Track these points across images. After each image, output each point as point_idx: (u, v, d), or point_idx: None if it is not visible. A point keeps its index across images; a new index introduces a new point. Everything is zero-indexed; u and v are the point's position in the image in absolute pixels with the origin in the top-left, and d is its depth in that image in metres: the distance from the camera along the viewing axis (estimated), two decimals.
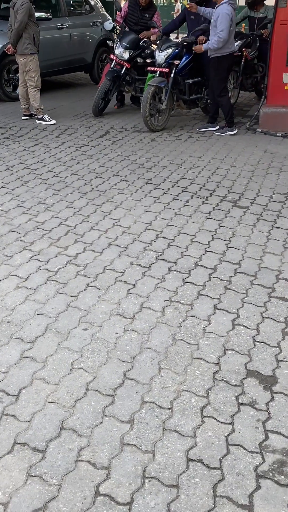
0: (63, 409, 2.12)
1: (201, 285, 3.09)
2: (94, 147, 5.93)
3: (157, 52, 6.52)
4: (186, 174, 5.08)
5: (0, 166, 5.15)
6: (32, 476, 1.82)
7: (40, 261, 3.33)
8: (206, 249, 3.54)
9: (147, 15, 7.14)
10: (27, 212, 4.06)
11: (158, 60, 6.47)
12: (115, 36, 8.35)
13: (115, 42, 7.20)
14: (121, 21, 7.24)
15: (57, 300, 2.89)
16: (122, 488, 1.79)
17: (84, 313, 2.78)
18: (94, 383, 2.27)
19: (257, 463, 1.90)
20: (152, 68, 6.59)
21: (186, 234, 3.77)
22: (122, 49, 6.94)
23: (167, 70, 6.41)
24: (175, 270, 3.26)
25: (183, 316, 2.78)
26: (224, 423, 2.08)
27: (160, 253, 3.47)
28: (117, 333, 2.62)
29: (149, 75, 6.61)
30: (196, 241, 3.66)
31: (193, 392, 2.24)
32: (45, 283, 3.07)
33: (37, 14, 7.04)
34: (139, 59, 7.05)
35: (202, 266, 3.32)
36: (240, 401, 2.20)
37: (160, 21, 7.32)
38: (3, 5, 9.43)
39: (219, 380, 2.32)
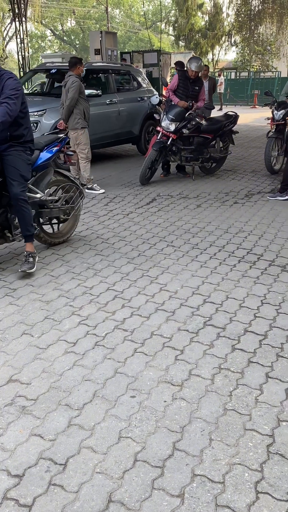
0: (111, 480, 2.06)
1: (251, 352, 3.01)
2: (141, 214, 6.08)
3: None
4: (233, 238, 5.10)
5: None
6: None
7: (88, 326, 3.35)
8: (256, 315, 3.48)
9: (196, 87, 7.50)
10: (77, 278, 4.14)
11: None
12: (161, 109, 8.76)
13: (161, 115, 7.53)
14: (168, 95, 7.61)
15: (105, 366, 2.88)
16: None
17: (132, 380, 2.74)
18: (143, 453, 2.20)
19: None
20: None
21: (234, 299, 3.73)
22: (169, 121, 7.25)
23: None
24: (224, 336, 3.20)
25: (233, 384, 2.70)
26: (281, 500, 1.96)
27: (208, 318, 3.43)
28: (165, 401, 2.56)
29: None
30: (244, 306, 3.61)
31: (246, 466, 2.13)
32: (93, 348, 3.08)
33: (88, 91, 7.53)
34: (184, 130, 7.33)
35: (252, 332, 3.25)
36: None
37: (205, 94, 7.70)
38: (56, 84, 10.17)
39: (274, 453, 2.20)
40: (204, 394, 2.61)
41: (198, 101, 7.54)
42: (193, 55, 28.71)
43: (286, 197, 6.64)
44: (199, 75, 7.64)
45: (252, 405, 2.52)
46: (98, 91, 8.60)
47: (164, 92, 7.80)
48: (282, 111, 7.57)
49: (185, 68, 7.62)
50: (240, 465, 2.13)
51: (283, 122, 7.65)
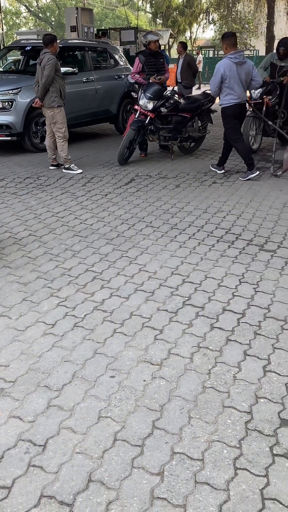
0: (91, 460, 2.06)
1: (229, 331, 3.03)
2: (120, 194, 6.03)
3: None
4: (211, 218, 5.10)
5: (28, 214, 5.26)
6: None
7: (67, 307, 3.33)
8: (234, 294, 3.50)
9: (161, 60, 7.64)
10: (55, 259, 4.10)
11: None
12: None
13: (139, 93, 7.44)
14: (139, 78, 7.52)
15: (84, 347, 2.87)
16: None
17: (111, 360, 2.74)
18: (122, 432, 2.21)
19: None
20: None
21: (213, 278, 3.74)
22: (146, 100, 7.16)
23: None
24: (202, 315, 3.21)
25: (212, 362, 2.72)
26: (259, 475, 1.99)
27: (187, 298, 3.44)
28: (144, 380, 2.57)
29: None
30: (223, 286, 3.62)
31: (224, 443, 2.15)
32: (72, 329, 3.06)
33: (64, 69, 7.39)
34: (163, 109, 7.26)
35: (230, 311, 3.27)
36: (274, 452, 2.10)
37: (167, 65, 8.03)
38: (31, 62, 9.94)
39: (252, 429, 2.23)
40: (183, 373, 2.62)
41: (165, 72, 7.71)
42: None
43: (257, 172, 6.63)
44: (159, 47, 7.75)
45: (230, 383, 2.54)
46: (75, 69, 8.45)
47: (131, 76, 7.75)
48: (260, 90, 7.54)
49: (143, 48, 7.71)
50: (219, 442, 2.16)
51: (260, 101, 7.62)
